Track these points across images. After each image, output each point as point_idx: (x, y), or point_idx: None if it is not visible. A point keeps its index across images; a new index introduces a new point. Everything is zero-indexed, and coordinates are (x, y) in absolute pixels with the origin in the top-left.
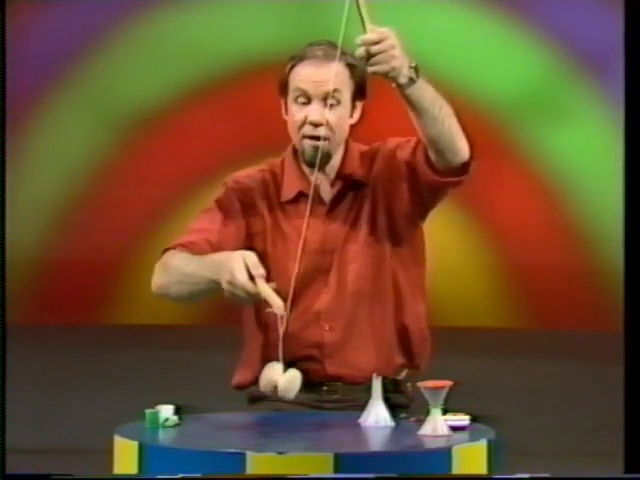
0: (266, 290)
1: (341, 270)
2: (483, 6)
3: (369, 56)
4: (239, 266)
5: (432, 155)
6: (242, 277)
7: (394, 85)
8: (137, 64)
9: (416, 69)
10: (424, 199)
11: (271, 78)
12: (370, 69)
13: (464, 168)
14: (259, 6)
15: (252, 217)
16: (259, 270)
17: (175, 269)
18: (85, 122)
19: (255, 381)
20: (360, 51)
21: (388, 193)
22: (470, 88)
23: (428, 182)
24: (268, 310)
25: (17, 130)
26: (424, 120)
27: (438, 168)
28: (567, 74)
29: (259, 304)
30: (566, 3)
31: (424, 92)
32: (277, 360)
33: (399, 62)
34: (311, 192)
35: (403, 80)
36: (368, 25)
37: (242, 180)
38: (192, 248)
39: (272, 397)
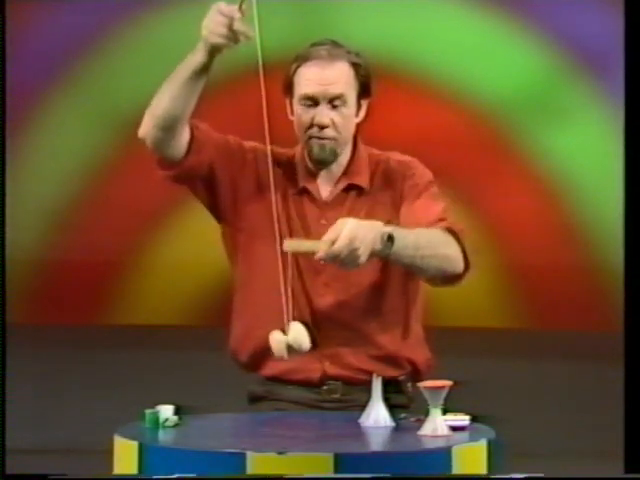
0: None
1: (340, 275)
2: (483, 6)
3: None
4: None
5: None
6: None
7: None
8: (137, 64)
9: (390, 238)
10: None
11: (273, 78)
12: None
13: (457, 278)
14: (261, 6)
15: (239, 172)
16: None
17: (155, 97)
18: (85, 122)
19: (254, 349)
20: (327, 260)
21: (388, 209)
22: (471, 88)
23: None
24: None
25: (17, 130)
26: (406, 269)
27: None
28: (567, 74)
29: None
30: (566, 3)
31: (401, 254)
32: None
33: (365, 253)
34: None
35: (379, 254)
36: (322, 242)
37: (254, 145)
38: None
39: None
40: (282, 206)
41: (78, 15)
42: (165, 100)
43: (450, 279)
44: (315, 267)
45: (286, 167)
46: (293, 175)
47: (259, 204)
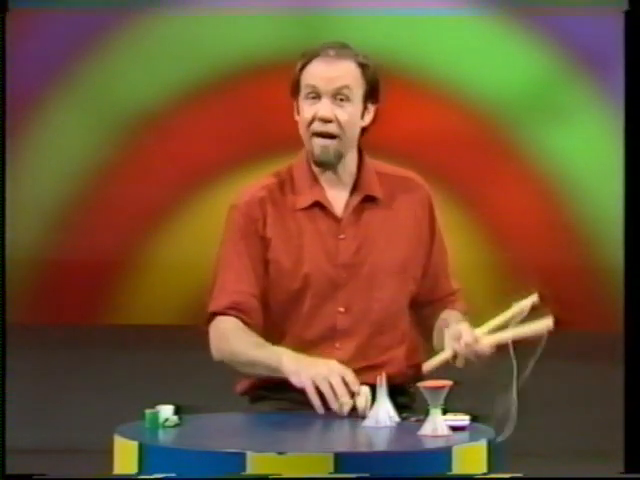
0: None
1: (364, 293)
2: (484, 7)
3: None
4: (338, 382)
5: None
6: (342, 392)
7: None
8: (137, 65)
9: None
10: None
11: (271, 79)
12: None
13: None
14: (259, 8)
15: (263, 231)
16: (356, 387)
17: (241, 355)
18: (85, 122)
19: (257, 385)
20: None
21: (409, 221)
22: (471, 88)
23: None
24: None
25: (17, 130)
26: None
27: None
28: (567, 74)
29: None
30: (566, 3)
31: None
32: None
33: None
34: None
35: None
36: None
37: (248, 199)
38: (243, 312)
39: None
40: (296, 228)
41: (78, 15)
42: (250, 371)
43: None
44: (329, 279)
45: (289, 186)
46: (297, 190)
47: (281, 238)
